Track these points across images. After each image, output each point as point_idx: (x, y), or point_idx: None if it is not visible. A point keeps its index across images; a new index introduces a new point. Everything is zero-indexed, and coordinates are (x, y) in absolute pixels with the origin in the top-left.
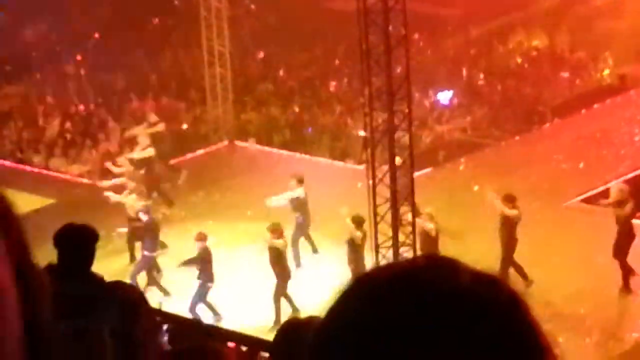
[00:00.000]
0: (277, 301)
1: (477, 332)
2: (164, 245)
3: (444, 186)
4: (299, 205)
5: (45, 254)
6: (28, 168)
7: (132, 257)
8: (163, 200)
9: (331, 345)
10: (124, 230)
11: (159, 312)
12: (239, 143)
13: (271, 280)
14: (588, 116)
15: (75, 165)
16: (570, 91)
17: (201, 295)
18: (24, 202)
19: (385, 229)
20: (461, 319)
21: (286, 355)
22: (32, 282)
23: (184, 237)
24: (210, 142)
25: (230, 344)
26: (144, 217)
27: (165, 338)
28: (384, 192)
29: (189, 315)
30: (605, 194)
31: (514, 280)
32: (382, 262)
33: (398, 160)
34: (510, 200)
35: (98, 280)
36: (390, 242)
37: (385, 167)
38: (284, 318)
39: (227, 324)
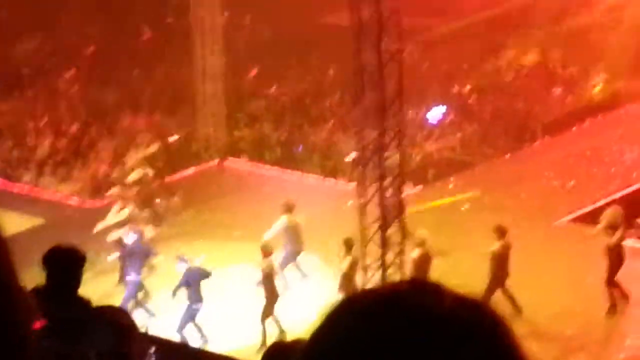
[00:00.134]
0: (263, 322)
1: (460, 356)
2: (152, 267)
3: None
4: (290, 232)
5: (33, 276)
6: (17, 188)
7: (122, 278)
8: (153, 219)
9: None
10: (115, 256)
11: (145, 335)
12: (228, 164)
13: (259, 300)
14: (579, 134)
15: (65, 184)
16: (562, 108)
17: (190, 316)
18: (13, 223)
19: (375, 249)
20: (445, 342)
21: None
22: (18, 304)
23: (173, 256)
24: (201, 159)
25: None
26: (128, 241)
27: None
28: (374, 210)
29: (175, 337)
30: (595, 213)
31: (500, 305)
32: (370, 282)
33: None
34: (500, 232)
35: (85, 303)
36: (378, 263)
37: (376, 185)
38: (270, 340)
39: (213, 345)
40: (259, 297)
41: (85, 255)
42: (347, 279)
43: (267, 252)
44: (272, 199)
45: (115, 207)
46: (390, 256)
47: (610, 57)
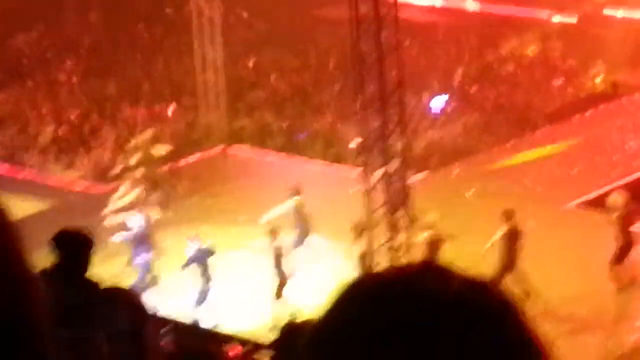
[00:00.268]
0: (274, 304)
1: (469, 339)
2: (160, 250)
3: (437, 191)
4: (296, 215)
5: (39, 260)
6: (22, 174)
7: (130, 261)
8: (159, 203)
9: (324, 349)
10: (121, 237)
11: (156, 316)
12: (232, 150)
13: (266, 283)
14: (580, 123)
15: (69, 171)
16: (563, 98)
17: (201, 296)
18: (18, 208)
19: (381, 234)
20: (454, 325)
21: (285, 359)
22: (28, 287)
23: (178, 242)
24: (203, 147)
25: (227, 347)
26: (134, 226)
27: (164, 342)
28: (377, 197)
29: (184, 318)
30: (601, 199)
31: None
32: (377, 267)
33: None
34: (508, 216)
35: (94, 286)
36: (385, 248)
37: (379, 173)
38: (278, 322)
39: (223, 327)
40: (266, 280)
41: (93, 238)
42: (362, 262)
43: (275, 234)
44: (277, 184)
45: (123, 189)
46: (397, 241)
47: (610, 48)
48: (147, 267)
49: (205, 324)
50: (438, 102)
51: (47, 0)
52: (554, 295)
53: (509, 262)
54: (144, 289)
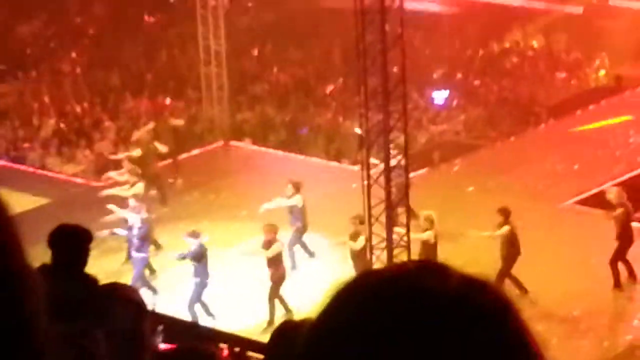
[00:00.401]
0: (271, 302)
1: (473, 336)
2: (158, 246)
3: (438, 187)
4: (297, 212)
5: (38, 255)
6: (23, 167)
7: (129, 257)
8: (159, 199)
9: (325, 347)
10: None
11: (153, 313)
12: (234, 143)
13: (264, 280)
14: (583, 117)
15: (70, 164)
16: (566, 92)
17: (198, 293)
18: (18, 202)
19: (380, 229)
20: (457, 323)
21: (281, 357)
22: (26, 282)
23: (178, 237)
24: (205, 141)
25: (223, 345)
26: (136, 222)
27: (160, 339)
28: (379, 192)
29: (182, 316)
30: (600, 196)
31: (509, 289)
32: (376, 263)
33: (393, 161)
34: (504, 214)
35: (92, 281)
36: (384, 244)
37: (380, 168)
38: (277, 319)
39: (219, 324)
40: (265, 277)
41: (92, 234)
42: (361, 255)
43: (273, 231)
44: (277, 180)
45: (123, 172)
46: (396, 237)
47: (613, 42)
48: (145, 263)
49: (201, 321)
50: (441, 96)
51: None
52: (550, 295)
53: (511, 259)
54: (142, 285)
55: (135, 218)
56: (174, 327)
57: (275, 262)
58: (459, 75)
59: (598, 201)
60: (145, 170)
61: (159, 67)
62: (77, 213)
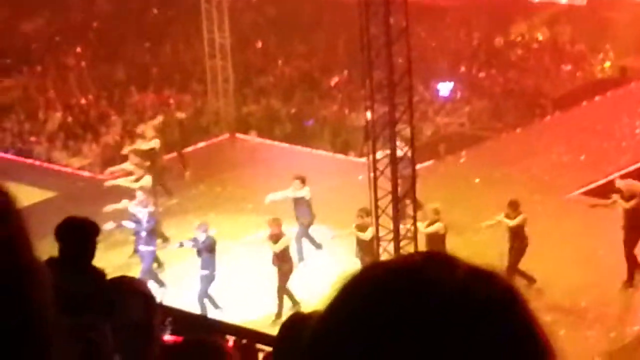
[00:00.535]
0: (279, 295)
1: (479, 329)
2: (165, 239)
3: (444, 179)
4: (304, 205)
5: (46, 248)
6: (29, 161)
7: (136, 250)
8: (164, 191)
9: (331, 339)
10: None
11: (161, 305)
12: (240, 136)
13: (272, 272)
14: (589, 109)
15: (76, 157)
16: (571, 83)
17: (206, 286)
18: (25, 195)
19: (387, 221)
20: (462, 316)
21: (289, 350)
22: (33, 275)
23: (186, 230)
24: (211, 134)
25: (230, 338)
26: (144, 215)
27: (168, 332)
28: (385, 185)
29: (190, 308)
30: (607, 187)
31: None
32: (383, 255)
33: (399, 153)
34: (513, 207)
35: (100, 274)
36: (391, 235)
37: (386, 160)
38: (285, 312)
39: (227, 317)
40: (272, 269)
41: (99, 226)
42: (369, 247)
43: (277, 225)
44: (283, 173)
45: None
46: (403, 229)
47: (618, 33)
48: (153, 257)
49: (209, 314)
50: (446, 88)
51: None
52: (557, 286)
53: (518, 252)
54: (150, 278)
55: (142, 211)
56: (181, 320)
57: (283, 256)
58: (464, 68)
59: (606, 192)
60: (151, 164)
61: (164, 60)
62: (83, 206)
